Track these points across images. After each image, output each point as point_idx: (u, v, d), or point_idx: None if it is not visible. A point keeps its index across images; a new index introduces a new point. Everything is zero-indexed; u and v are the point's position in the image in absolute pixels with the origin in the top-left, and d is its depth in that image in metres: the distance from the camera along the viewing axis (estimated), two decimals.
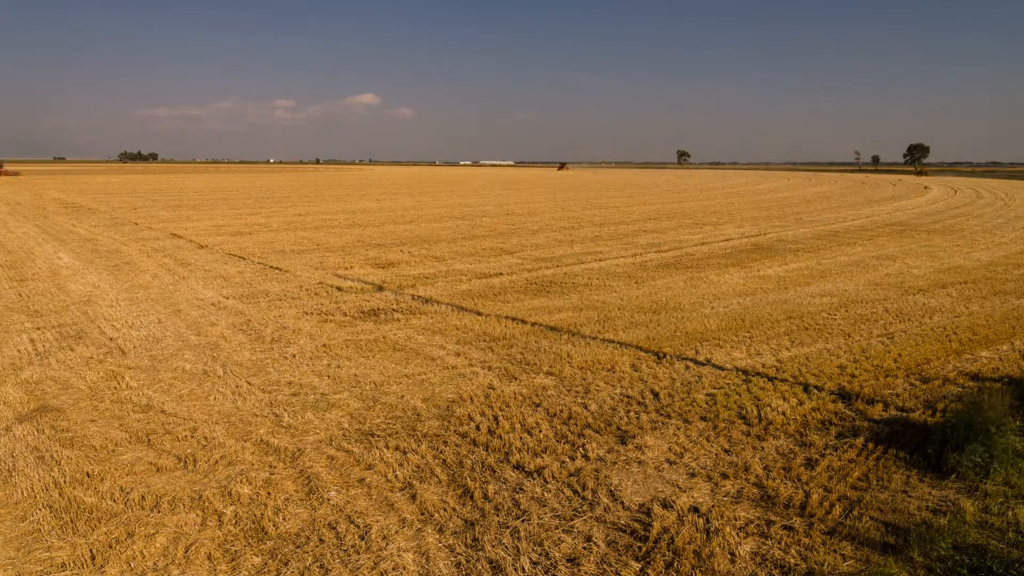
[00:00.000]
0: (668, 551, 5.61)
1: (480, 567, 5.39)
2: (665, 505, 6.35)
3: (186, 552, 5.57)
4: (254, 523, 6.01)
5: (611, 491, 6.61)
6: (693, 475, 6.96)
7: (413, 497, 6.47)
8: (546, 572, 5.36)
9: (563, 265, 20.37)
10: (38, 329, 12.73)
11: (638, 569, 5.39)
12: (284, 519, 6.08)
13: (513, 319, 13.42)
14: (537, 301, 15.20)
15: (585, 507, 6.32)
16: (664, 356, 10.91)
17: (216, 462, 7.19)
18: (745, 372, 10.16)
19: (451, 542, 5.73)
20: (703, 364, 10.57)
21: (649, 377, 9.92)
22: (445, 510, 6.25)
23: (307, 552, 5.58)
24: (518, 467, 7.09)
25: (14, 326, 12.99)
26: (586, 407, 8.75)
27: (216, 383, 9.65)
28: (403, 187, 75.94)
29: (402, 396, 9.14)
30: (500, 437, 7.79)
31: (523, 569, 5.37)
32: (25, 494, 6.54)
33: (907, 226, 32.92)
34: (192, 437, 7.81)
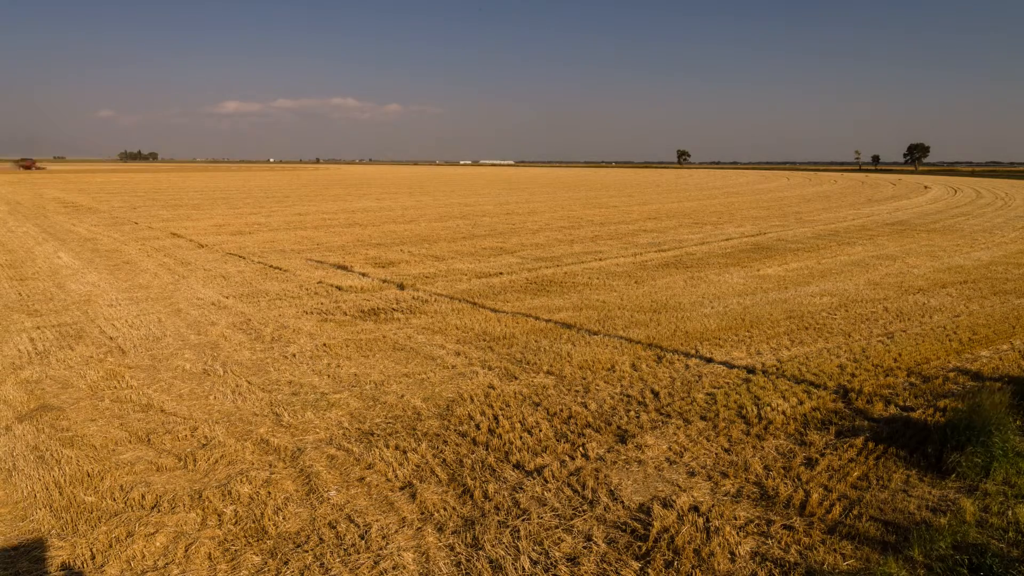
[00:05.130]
0: (668, 550, 5.61)
1: (480, 566, 5.39)
2: (665, 504, 6.35)
3: (186, 551, 5.57)
4: (254, 522, 6.01)
5: (611, 490, 6.61)
6: (693, 474, 6.96)
7: (413, 496, 6.47)
8: (546, 571, 5.35)
9: (563, 264, 20.37)
10: (38, 328, 12.73)
11: (638, 568, 5.39)
12: (284, 518, 6.08)
13: (513, 318, 13.42)
14: (537, 300, 15.20)
15: (585, 506, 6.32)
16: (664, 355, 10.91)
17: (216, 461, 7.19)
18: (745, 371, 10.16)
19: (451, 541, 5.73)
20: (703, 363, 10.56)
21: (649, 376, 9.92)
22: (445, 509, 6.25)
23: (307, 551, 5.59)
24: (518, 466, 7.09)
25: (14, 325, 12.99)
26: (586, 406, 8.75)
27: (216, 382, 9.65)
28: (403, 187, 75.94)
29: (402, 395, 9.15)
30: (500, 436, 7.79)
31: (523, 568, 5.37)
32: (25, 494, 6.54)
33: (907, 226, 32.92)
34: (192, 436, 7.82)
